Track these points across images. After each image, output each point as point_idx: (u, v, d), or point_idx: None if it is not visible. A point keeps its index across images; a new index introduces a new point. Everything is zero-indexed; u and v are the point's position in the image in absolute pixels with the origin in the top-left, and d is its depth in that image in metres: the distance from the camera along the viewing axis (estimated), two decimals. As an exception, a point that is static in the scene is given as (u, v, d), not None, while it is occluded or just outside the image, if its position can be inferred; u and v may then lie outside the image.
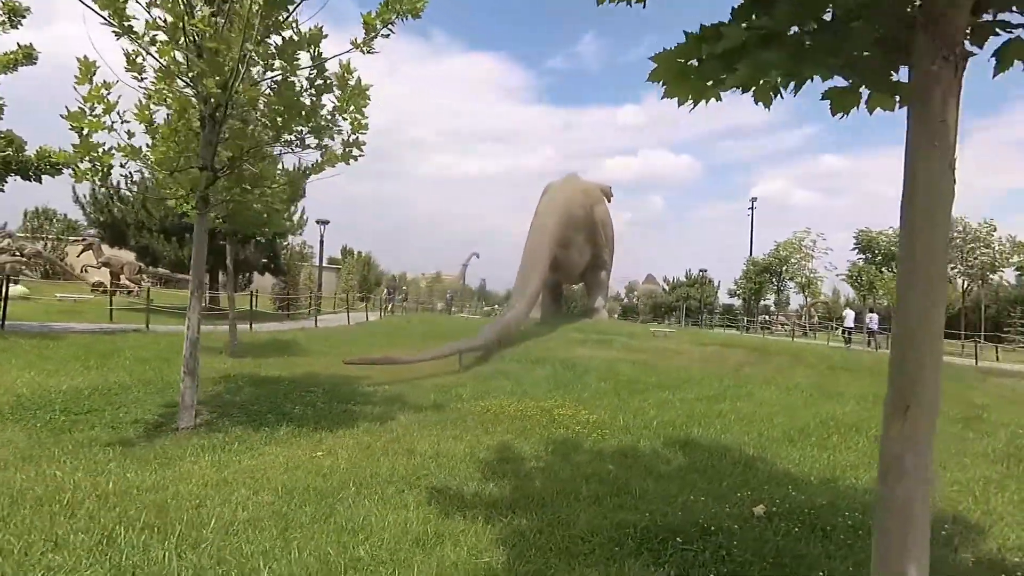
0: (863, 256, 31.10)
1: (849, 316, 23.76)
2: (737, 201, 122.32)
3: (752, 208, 38.20)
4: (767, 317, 34.90)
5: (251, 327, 14.20)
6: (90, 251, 19.68)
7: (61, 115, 5.19)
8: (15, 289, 18.36)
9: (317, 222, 22.31)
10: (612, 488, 4.59)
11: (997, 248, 25.95)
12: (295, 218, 20.20)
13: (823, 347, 21.30)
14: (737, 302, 40.45)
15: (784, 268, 33.38)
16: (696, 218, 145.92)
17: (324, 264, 27.48)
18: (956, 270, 27.81)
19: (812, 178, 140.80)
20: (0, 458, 4.56)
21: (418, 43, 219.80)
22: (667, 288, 42.84)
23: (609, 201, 34.08)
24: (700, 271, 38.68)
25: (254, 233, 10.39)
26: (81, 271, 21.69)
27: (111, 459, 4.72)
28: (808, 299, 33.73)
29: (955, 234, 31.30)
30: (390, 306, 23.35)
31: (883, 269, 29.05)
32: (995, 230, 26.07)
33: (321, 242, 22.66)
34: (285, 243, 19.53)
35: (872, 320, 22.48)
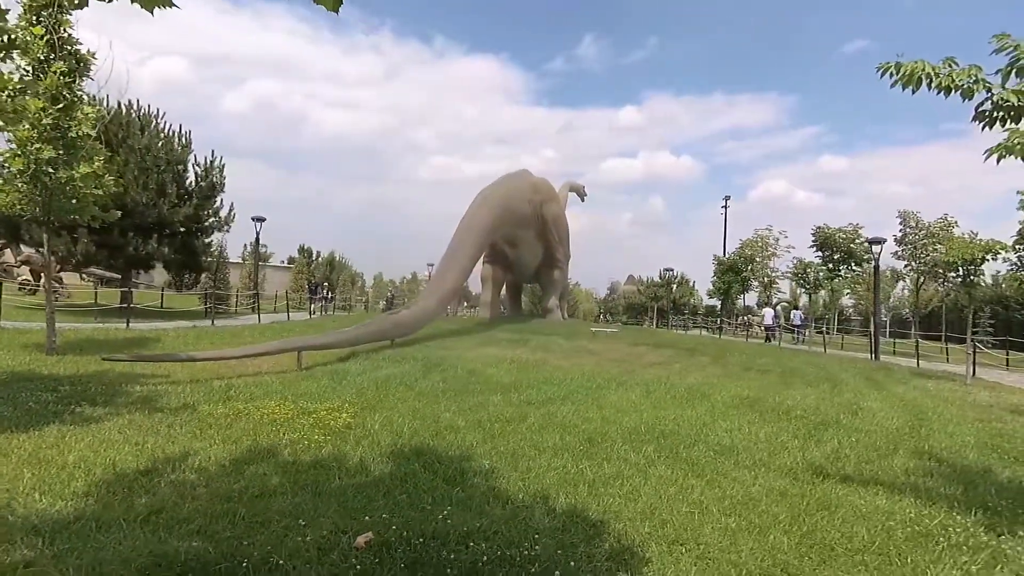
0: (820, 254, 29.86)
1: (768, 314, 23.18)
2: (738, 202, 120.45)
3: (725, 207, 37.24)
4: (746, 317, 33.81)
5: (127, 324, 13.56)
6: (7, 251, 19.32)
7: None
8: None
9: (252, 219, 21.79)
10: (220, 508, 3.80)
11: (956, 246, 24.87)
12: (221, 214, 19.68)
13: (757, 346, 20.51)
14: (717, 302, 39.37)
15: (749, 267, 32.19)
16: (696, 219, 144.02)
17: (276, 264, 26.89)
18: (908, 267, 26.67)
19: (813, 178, 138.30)
20: None
21: (418, 47, 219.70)
22: (640, 289, 41.79)
23: (583, 200, 33.40)
24: (665, 270, 37.56)
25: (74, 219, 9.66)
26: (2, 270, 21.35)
27: None
28: (771, 298, 32.53)
29: (909, 230, 30.15)
30: (312, 306, 22.59)
31: (840, 267, 27.88)
32: (954, 227, 24.88)
33: (257, 240, 22.09)
34: (207, 240, 18.92)
35: (796, 316, 21.98)
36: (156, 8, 2.21)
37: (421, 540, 3.45)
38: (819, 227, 30.61)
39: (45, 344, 9.50)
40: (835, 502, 4.62)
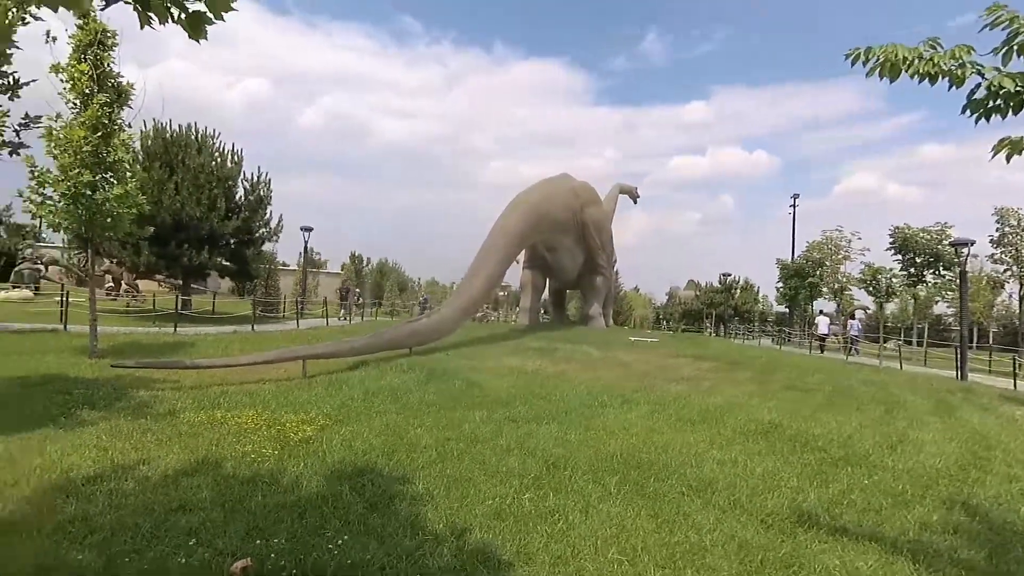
0: (899, 257, 27.17)
1: (822, 323, 21.27)
2: (821, 198, 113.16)
3: (794, 205, 34.94)
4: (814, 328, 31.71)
5: (175, 328, 14.59)
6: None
7: None
8: (18, 292, 20.25)
9: (301, 229, 22.95)
10: (131, 520, 3.98)
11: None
12: (271, 225, 20.82)
13: (815, 360, 18.94)
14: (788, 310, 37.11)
15: (817, 272, 29.94)
16: (772, 217, 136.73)
17: (330, 271, 28.09)
18: (1007, 271, 23.72)
19: (911, 169, 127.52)
20: None
21: (478, 55, 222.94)
22: (697, 294, 40.12)
23: (635, 202, 32.76)
24: (724, 275, 35.67)
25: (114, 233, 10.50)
26: (87, 277, 23.58)
27: None
28: (840, 305, 30.17)
29: (1008, 228, 26.88)
30: (342, 311, 23.31)
31: (924, 273, 25.26)
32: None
33: (305, 248, 23.36)
34: (258, 250, 20.06)
35: (853, 327, 19.98)
36: (202, 36, 2.27)
37: (295, 571, 3.46)
38: (898, 227, 28.02)
39: (87, 349, 10.38)
40: (802, 561, 4.08)
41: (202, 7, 2.28)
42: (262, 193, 19.52)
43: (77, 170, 9.47)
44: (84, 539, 3.70)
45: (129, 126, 10.41)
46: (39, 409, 6.68)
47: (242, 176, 19.45)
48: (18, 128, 6.07)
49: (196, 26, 2.26)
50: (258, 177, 19.63)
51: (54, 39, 8.92)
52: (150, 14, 2.30)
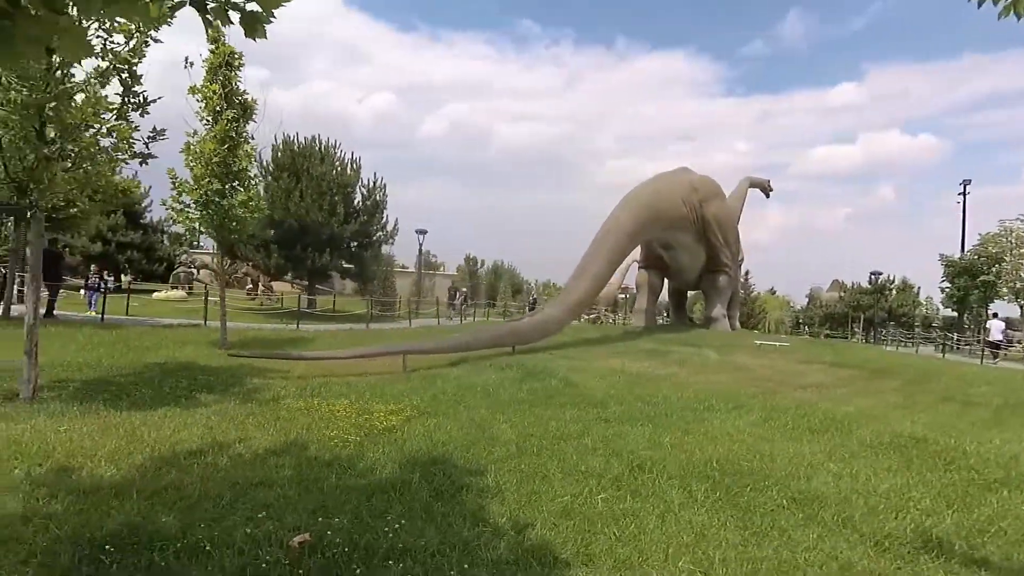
0: None
1: (995, 327, 17.80)
2: (1005, 184, 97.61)
3: (964, 193, 30.27)
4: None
5: (297, 325, 15.99)
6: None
7: None
8: (175, 292, 23.41)
9: (416, 231, 24.25)
10: (215, 491, 4.34)
11: None
12: (387, 228, 22.20)
13: (983, 371, 16.07)
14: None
15: (993, 269, 25.49)
16: (938, 209, 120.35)
17: (446, 273, 29.32)
18: None
19: None
20: None
21: (599, 52, 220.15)
22: (841, 296, 36.17)
23: (767, 196, 30.67)
24: (873, 274, 31.71)
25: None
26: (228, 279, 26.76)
27: None
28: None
29: None
30: (451, 312, 23.92)
31: None
32: None
33: (420, 250, 24.68)
34: (374, 253, 21.50)
35: (996, 330, 16.60)
36: (259, 36, 2.53)
37: (347, 550, 3.55)
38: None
39: (216, 342, 11.69)
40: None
41: (256, 7, 2.41)
42: (378, 198, 20.90)
43: (208, 179, 10.72)
44: (173, 505, 4.09)
45: (252, 138, 11.57)
46: (168, 391, 7.61)
47: (360, 183, 20.99)
48: (147, 141, 7.01)
49: (252, 26, 2.37)
50: (374, 183, 21.08)
51: (191, 64, 10.14)
52: (209, 16, 2.47)
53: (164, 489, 4.35)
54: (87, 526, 3.64)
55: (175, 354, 10.38)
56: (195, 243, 33.80)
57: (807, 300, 43.86)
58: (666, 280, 23.90)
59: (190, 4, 2.49)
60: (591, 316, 29.03)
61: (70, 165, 6.34)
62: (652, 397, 9.28)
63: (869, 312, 31.89)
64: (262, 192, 18.90)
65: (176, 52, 7.81)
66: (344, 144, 20.50)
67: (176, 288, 24.27)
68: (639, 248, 22.04)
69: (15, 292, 14.92)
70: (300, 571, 3.29)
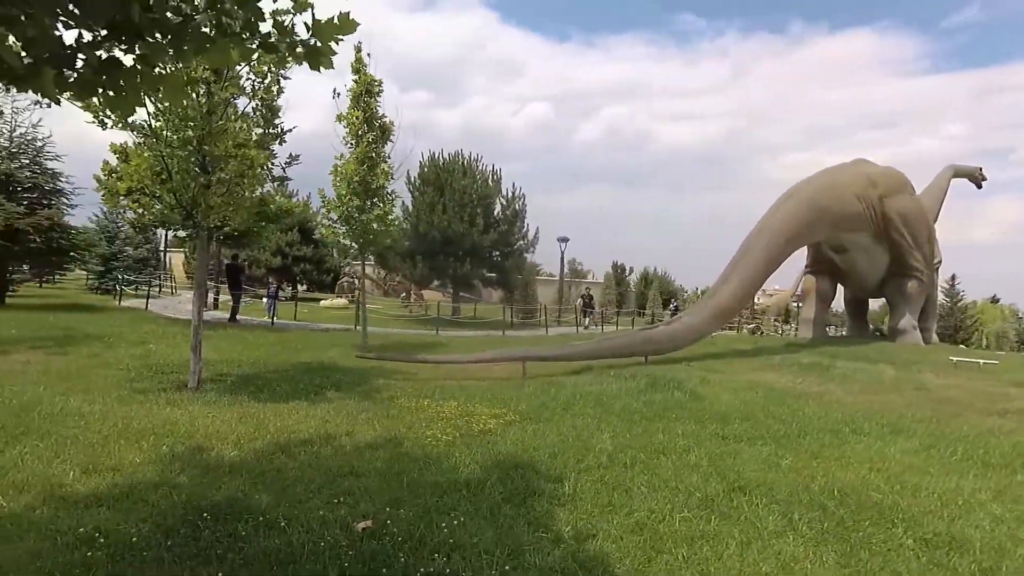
0: None
1: None
2: None
3: None
4: None
5: (437, 331, 17.13)
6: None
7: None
8: (339, 300, 26.37)
9: (558, 239, 24.62)
10: (308, 475, 4.96)
11: None
12: (528, 237, 22.93)
13: None
14: None
15: None
16: None
17: (592, 280, 29.39)
18: None
19: None
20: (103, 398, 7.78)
21: (768, 39, 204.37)
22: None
23: (979, 186, 26.56)
24: None
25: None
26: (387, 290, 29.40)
27: (149, 401, 7.36)
28: None
29: None
30: (587, 320, 23.44)
31: None
32: None
33: (562, 259, 24.98)
34: (515, 261, 22.33)
35: None
36: (323, 67, 2.77)
37: (401, 539, 3.86)
38: None
39: (360, 344, 13.05)
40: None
41: (316, 41, 2.83)
42: (517, 207, 21.76)
43: (349, 197, 12.08)
44: (271, 485, 4.75)
45: (389, 158, 12.81)
46: (302, 387, 8.71)
47: (500, 193, 22.02)
48: (284, 166, 8.21)
49: (315, 59, 2.78)
50: (513, 193, 22.01)
51: (338, 95, 11.51)
52: (282, 54, 2.94)
53: (269, 471, 5.06)
54: (198, 496, 4.39)
55: (320, 355, 11.81)
56: (348, 255, 38.22)
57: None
58: (841, 287, 21.59)
59: (260, 47, 2.99)
60: (751, 326, 27.06)
61: (224, 191, 7.69)
62: (789, 415, 8.50)
63: None
64: (410, 207, 20.82)
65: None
66: (498, 156, 22.11)
67: (340, 296, 27.48)
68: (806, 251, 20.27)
69: (211, 300, 17.98)
70: (352, 552, 3.66)
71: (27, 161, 16.16)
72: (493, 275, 21.87)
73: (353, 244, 12.68)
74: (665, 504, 4.82)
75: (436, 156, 21.91)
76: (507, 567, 3.61)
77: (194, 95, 7.29)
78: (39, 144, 16.47)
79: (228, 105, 7.41)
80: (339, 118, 12.78)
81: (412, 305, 25.87)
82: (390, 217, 12.53)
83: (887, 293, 21.01)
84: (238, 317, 17.15)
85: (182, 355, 10.10)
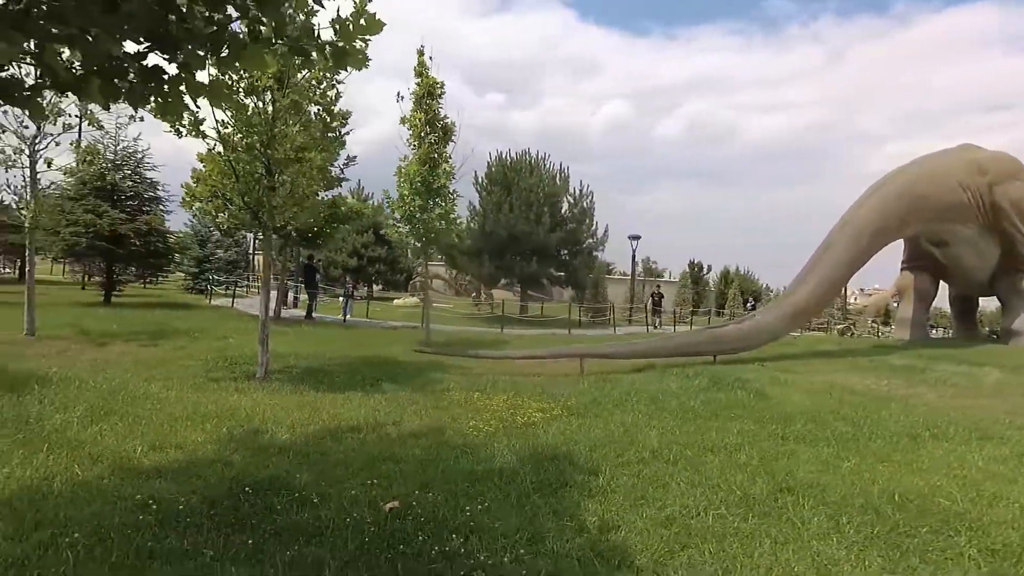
0: None
1: None
2: None
3: None
4: None
5: (502, 329, 17.35)
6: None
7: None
8: (411, 299, 27.21)
9: (629, 237, 24.23)
10: (349, 458, 5.23)
11: None
12: (597, 235, 22.76)
13: None
14: None
15: None
16: None
17: (668, 279, 28.75)
18: None
19: None
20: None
21: (869, 21, 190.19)
22: None
23: None
24: None
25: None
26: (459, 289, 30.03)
27: (220, 388, 8.04)
28: None
29: None
30: (658, 320, 22.60)
31: None
32: None
33: (632, 257, 24.49)
34: (584, 260, 22.24)
35: None
36: (352, 66, 2.99)
37: (423, 520, 4.02)
38: None
39: (422, 340, 13.47)
40: None
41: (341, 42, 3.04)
42: (585, 205, 21.67)
43: (412, 196, 12.51)
44: (313, 466, 5.05)
45: (451, 158, 13.15)
46: (360, 379, 9.13)
47: (567, 191, 22.01)
48: (342, 167, 8.65)
49: (341, 59, 3.00)
50: (580, 191, 21.95)
51: (401, 98, 11.96)
52: (305, 58, 3.17)
53: (314, 453, 5.38)
54: (246, 473, 4.75)
55: (383, 351, 12.30)
56: (418, 255, 39.40)
57: None
58: (944, 284, 19.97)
59: (291, 51, 3.23)
60: (840, 327, 25.45)
61: (287, 192, 8.23)
62: (863, 418, 7.99)
63: None
64: (477, 206, 21.22)
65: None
66: (575, 156, 22.09)
67: (412, 295, 28.42)
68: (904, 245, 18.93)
69: (291, 299, 19.10)
70: (374, 529, 3.85)
71: (129, 172, 17.88)
72: (561, 274, 21.90)
73: (416, 243, 13.13)
74: (701, 500, 4.70)
75: (504, 156, 22.27)
76: (522, 551, 3.67)
77: (260, 102, 7.87)
78: (139, 156, 18.17)
79: (292, 111, 7.91)
80: (403, 120, 13.26)
81: (482, 304, 26.32)
82: (452, 216, 12.88)
83: (998, 291, 19.21)
84: (314, 315, 18.12)
85: (255, 348, 10.82)
